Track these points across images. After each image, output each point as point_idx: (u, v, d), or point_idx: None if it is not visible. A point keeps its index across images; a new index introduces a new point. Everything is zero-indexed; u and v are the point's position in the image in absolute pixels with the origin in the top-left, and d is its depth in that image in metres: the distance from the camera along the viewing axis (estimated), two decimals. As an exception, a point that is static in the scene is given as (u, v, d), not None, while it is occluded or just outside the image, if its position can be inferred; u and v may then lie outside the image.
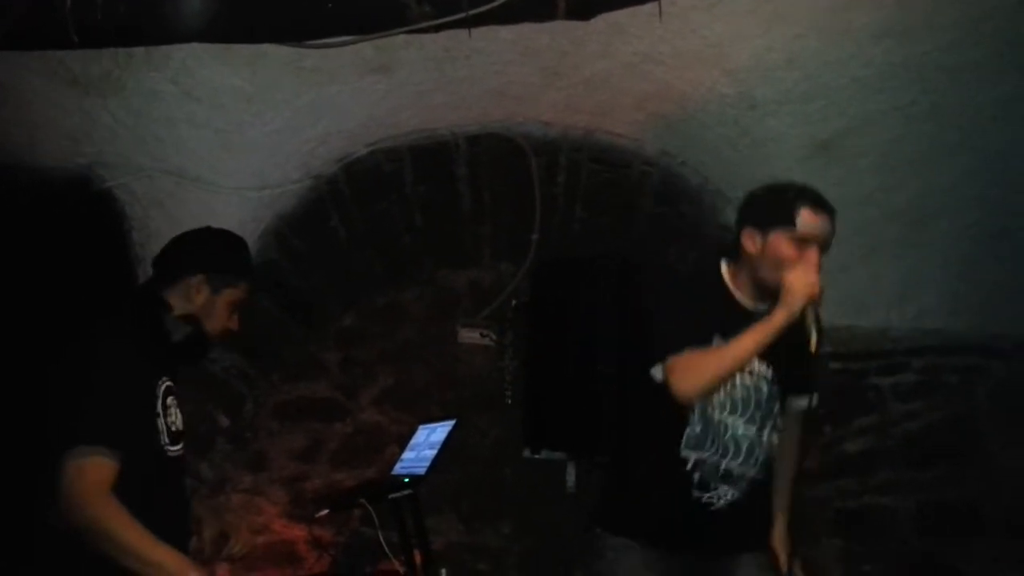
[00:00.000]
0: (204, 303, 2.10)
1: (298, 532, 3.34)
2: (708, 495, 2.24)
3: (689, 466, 2.23)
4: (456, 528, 3.46)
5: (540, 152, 3.26)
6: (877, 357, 3.34)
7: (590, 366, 3.11)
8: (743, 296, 2.23)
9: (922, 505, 3.32)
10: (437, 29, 2.18)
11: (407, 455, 2.71)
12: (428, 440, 2.69)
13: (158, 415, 2.00)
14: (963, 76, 2.70)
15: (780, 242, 2.13)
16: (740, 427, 2.22)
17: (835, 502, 3.32)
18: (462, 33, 2.31)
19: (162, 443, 2.00)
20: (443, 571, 2.56)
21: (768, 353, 2.17)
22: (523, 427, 3.31)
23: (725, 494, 2.24)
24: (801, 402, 2.35)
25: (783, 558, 2.34)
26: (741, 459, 2.23)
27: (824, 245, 2.15)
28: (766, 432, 2.26)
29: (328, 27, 2.24)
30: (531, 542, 3.48)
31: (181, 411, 2.11)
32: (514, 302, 3.48)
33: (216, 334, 2.14)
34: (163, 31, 2.22)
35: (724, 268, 2.27)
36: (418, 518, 2.60)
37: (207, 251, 2.17)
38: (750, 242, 2.18)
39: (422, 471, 2.54)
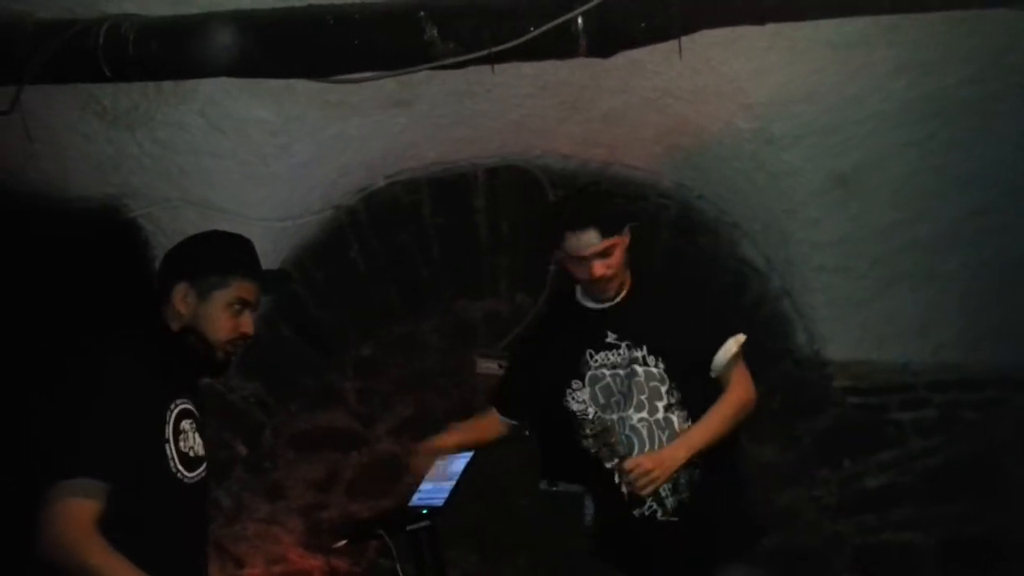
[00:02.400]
0: (194, 312, 1.95)
1: (314, 562, 3.33)
2: (645, 508, 2.27)
3: (616, 479, 2.26)
4: (472, 560, 3.43)
5: (558, 184, 3.29)
6: (897, 392, 3.31)
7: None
8: (588, 299, 2.45)
9: (944, 541, 3.28)
10: (461, 66, 2.22)
11: (425, 486, 2.70)
12: (446, 471, 2.69)
13: (167, 441, 1.89)
14: (982, 109, 2.72)
15: (564, 259, 2.38)
16: (633, 418, 2.29)
17: (855, 538, 3.28)
18: (483, 68, 2.35)
19: (173, 470, 1.90)
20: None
21: (634, 334, 2.32)
22: (540, 459, 3.30)
23: (663, 499, 2.26)
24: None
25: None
26: (647, 449, 2.25)
27: (594, 254, 2.29)
28: (660, 414, 2.29)
29: (353, 64, 2.29)
30: (547, 575, 3.45)
31: (202, 435, 2.01)
32: (532, 333, 3.49)
33: (224, 343, 1.98)
34: (192, 66, 2.27)
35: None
36: (436, 550, 2.58)
37: (187, 257, 2.03)
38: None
39: (440, 502, 2.52)
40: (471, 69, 2.39)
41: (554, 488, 3.29)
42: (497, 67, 2.36)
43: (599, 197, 2.53)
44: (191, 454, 1.96)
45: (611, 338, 2.38)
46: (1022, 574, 3.21)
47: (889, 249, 3.12)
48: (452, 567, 2.91)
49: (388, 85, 2.58)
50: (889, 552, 3.27)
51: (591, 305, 2.43)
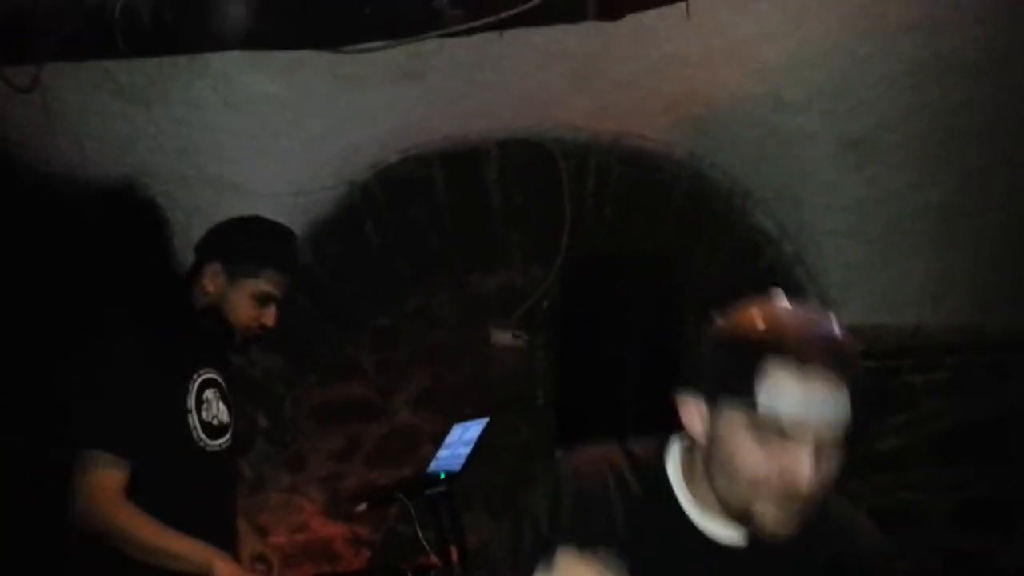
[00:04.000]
0: (221, 293, 1.99)
1: (336, 530, 3.39)
2: None
3: None
4: (489, 525, 3.49)
5: (569, 156, 3.30)
6: (909, 355, 3.32)
7: (622, 365, 3.13)
8: (703, 513, 1.18)
9: (957, 501, 3.30)
10: (470, 33, 2.24)
11: (442, 452, 2.75)
12: (462, 438, 2.73)
13: (189, 411, 1.93)
14: (995, 70, 2.70)
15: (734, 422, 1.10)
16: None
17: (868, 499, 3.30)
18: (493, 38, 2.36)
19: (196, 439, 1.94)
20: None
21: None
22: (555, 427, 3.33)
23: None
24: None
25: None
26: None
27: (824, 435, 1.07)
28: None
29: (364, 32, 2.30)
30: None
31: (227, 403, 2.06)
32: (545, 303, 3.52)
33: (242, 327, 2.02)
34: (206, 38, 2.29)
35: (673, 457, 1.23)
36: (454, 514, 2.63)
37: (227, 238, 2.06)
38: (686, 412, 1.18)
39: (458, 467, 2.57)
40: (481, 40, 2.40)
41: (570, 455, 3.32)
42: (506, 38, 2.37)
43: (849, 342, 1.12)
44: (215, 423, 2.01)
45: None
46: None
47: (902, 212, 3.11)
48: (469, 531, 2.96)
49: (398, 57, 2.59)
50: (903, 512, 3.29)
51: (717, 533, 1.17)
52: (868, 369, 3.15)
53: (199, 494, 1.96)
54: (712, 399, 1.13)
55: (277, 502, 3.37)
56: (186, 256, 2.94)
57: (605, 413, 3.16)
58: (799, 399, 1.05)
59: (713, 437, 1.13)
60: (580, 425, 3.25)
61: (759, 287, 3.34)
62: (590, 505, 1.20)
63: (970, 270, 3.22)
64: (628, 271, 3.18)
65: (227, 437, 2.06)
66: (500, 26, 2.19)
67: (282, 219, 3.05)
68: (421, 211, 3.36)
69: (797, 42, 2.59)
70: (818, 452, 1.06)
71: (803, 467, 1.05)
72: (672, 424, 1.23)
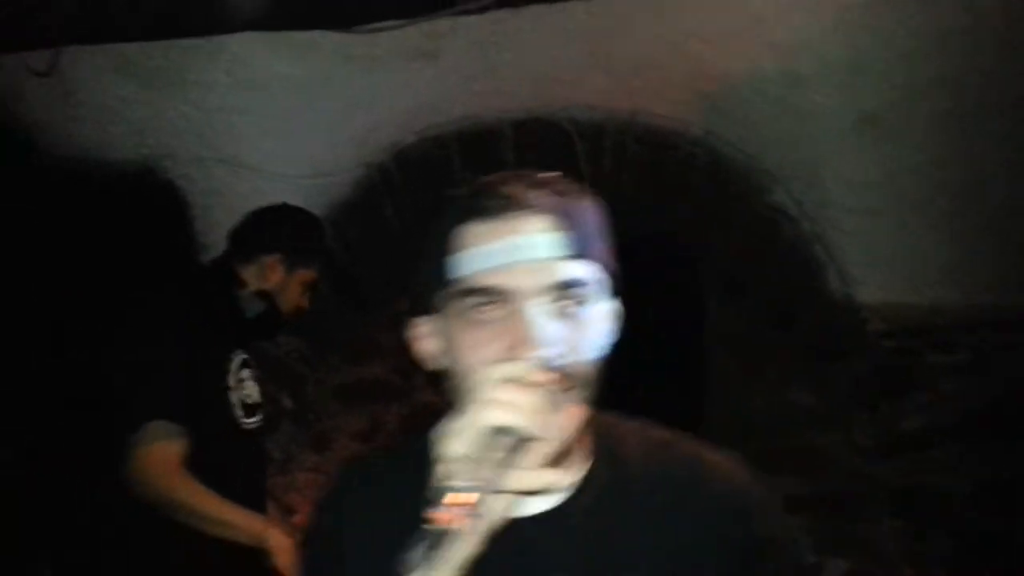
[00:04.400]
0: (279, 282, 2.12)
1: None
2: None
3: None
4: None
5: (585, 135, 3.29)
6: (930, 334, 3.29)
7: (638, 346, 3.13)
8: None
9: (979, 483, 3.27)
10: (482, 11, 2.23)
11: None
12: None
13: (230, 388, 2.02)
14: (1015, 44, 2.65)
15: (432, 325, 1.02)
16: None
17: (891, 480, 3.29)
18: (506, 17, 2.36)
19: (236, 416, 2.03)
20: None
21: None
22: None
23: None
24: None
25: None
26: None
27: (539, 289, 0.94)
28: None
29: (376, 12, 2.31)
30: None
31: (258, 383, 2.15)
32: (563, 283, 3.52)
33: (289, 312, 2.17)
34: (220, 20, 2.31)
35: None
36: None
37: (285, 231, 2.17)
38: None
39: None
40: (494, 18, 2.40)
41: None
42: (520, 16, 2.36)
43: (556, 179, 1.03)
44: (248, 401, 2.09)
45: None
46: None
47: (922, 189, 3.07)
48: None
49: (412, 37, 2.59)
50: (924, 494, 3.27)
51: None
52: (888, 349, 3.06)
53: (236, 470, 2.04)
54: (433, 308, 0.99)
55: (304, 482, 3.42)
56: (208, 238, 2.99)
57: (622, 392, 3.17)
58: (491, 249, 0.93)
59: (446, 350, 0.99)
60: (596, 403, 3.27)
61: (777, 265, 3.31)
62: (368, 503, 1.03)
63: (991, 247, 3.17)
64: (644, 251, 3.18)
65: (259, 416, 2.14)
66: (513, 4, 2.18)
67: (301, 201, 3.09)
68: (438, 192, 3.37)
69: (812, 17, 2.56)
70: (548, 308, 0.91)
71: (525, 322, 0.88)
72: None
